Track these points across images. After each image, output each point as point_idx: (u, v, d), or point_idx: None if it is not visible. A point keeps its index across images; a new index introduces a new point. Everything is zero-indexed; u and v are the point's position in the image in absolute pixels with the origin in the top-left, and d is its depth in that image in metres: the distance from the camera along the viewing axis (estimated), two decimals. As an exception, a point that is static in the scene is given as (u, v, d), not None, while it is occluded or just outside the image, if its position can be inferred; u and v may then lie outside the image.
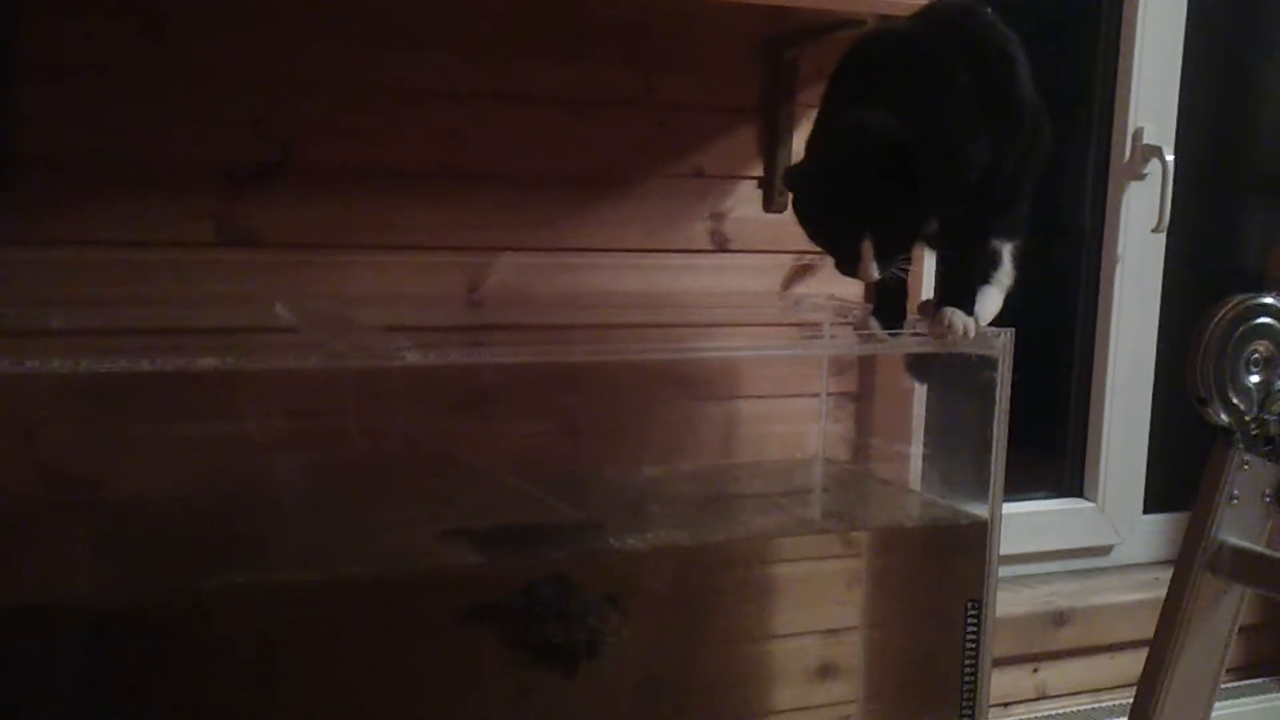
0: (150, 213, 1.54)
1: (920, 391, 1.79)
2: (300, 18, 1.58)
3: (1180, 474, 2.31)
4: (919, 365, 1.72)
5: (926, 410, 1.79)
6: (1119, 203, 2.24)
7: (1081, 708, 2.21)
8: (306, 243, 1.62)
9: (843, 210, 1.39)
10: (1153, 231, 2.22)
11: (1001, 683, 2.07)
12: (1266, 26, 2.44)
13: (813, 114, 1.53)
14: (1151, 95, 2.22)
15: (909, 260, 1.45)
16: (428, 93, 1.65)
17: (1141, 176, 2.23)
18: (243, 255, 1.59)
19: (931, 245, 1.58)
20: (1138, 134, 2.21)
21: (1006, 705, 2.15)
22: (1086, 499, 2.34)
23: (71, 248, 1.51)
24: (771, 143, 1.84)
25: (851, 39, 1.55)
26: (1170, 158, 2.18)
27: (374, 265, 1.65)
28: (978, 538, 1.64)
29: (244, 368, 1.26)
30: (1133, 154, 2.22)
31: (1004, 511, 1.65)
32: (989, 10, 1.50)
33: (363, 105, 1.63)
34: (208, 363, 1.22)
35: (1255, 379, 1.44)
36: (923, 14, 1.54)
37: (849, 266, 1.40)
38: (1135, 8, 2.19)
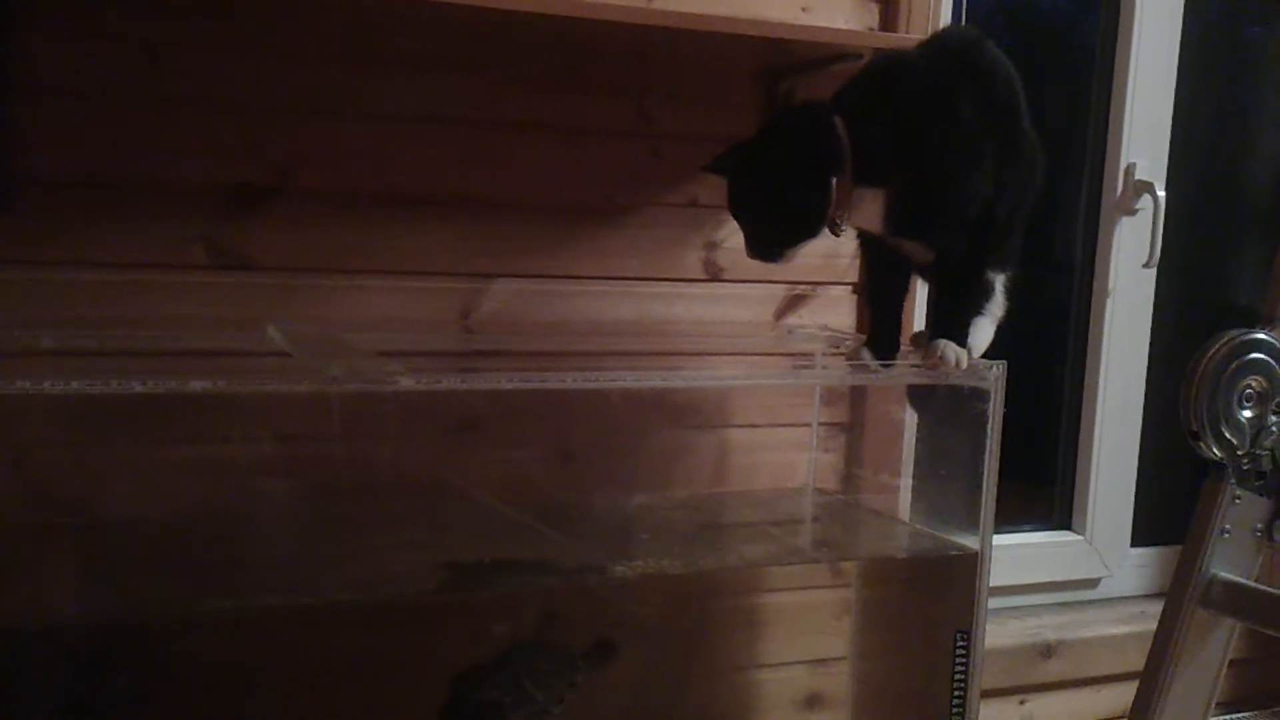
0: (144, 235, 1.54)
1: (911, 422, 1.79)
2: (296, 43, 1.58)
3: (1168, 508, 2.32)
4: (921, 398, 1.71)
5: (917, 441, 1.78)
6: (1110, 237, 2.25)
7: (1068, 740, 2.22)
8: (300, 267, 1.62)
9: (737, 187, 1.46)
10: (1144, 266, 2.23)
11: (988, 715, 2.07)
12: (1257, 65, 2.46)
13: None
14: (1144, 132, 2.23)
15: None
16: (424, 119, 1.66)
17: (1133, 212, 2.24)
18: (236, 278, 1.59)
19: (926, 276, 1.59)
20: (1130, 170, 2.23)
21: (994, 737, 2.15)
22: (1075, 532, 2.34)
23: (64, 269, 1.51)
24: (766, 173, 1.84)
25: (852, 70, 1.56)
26: (1162, 194, 2.20)
27: (367, 290, 1.65)
28: (967, 569, 1.64)
29: (236, 391, 1.26)
30: (1125, 189, 2.23)
31: (993, 543, 1.65)
32: (993, 43, 1.50)
33: (358, 130, 1.63)
34: (199, 386, 1.21)
35: (1248, 414, 1.45)
36: (929, 44, 1.55)
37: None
38: (1128, 45, 2.20)
